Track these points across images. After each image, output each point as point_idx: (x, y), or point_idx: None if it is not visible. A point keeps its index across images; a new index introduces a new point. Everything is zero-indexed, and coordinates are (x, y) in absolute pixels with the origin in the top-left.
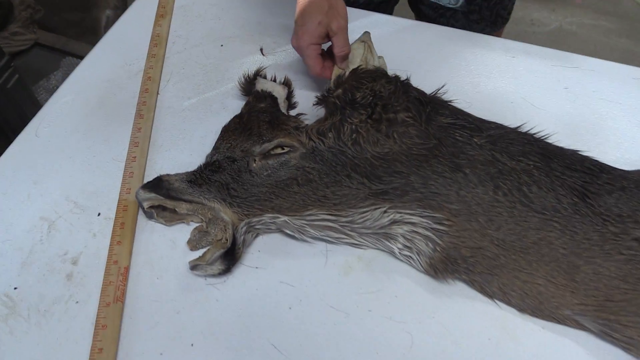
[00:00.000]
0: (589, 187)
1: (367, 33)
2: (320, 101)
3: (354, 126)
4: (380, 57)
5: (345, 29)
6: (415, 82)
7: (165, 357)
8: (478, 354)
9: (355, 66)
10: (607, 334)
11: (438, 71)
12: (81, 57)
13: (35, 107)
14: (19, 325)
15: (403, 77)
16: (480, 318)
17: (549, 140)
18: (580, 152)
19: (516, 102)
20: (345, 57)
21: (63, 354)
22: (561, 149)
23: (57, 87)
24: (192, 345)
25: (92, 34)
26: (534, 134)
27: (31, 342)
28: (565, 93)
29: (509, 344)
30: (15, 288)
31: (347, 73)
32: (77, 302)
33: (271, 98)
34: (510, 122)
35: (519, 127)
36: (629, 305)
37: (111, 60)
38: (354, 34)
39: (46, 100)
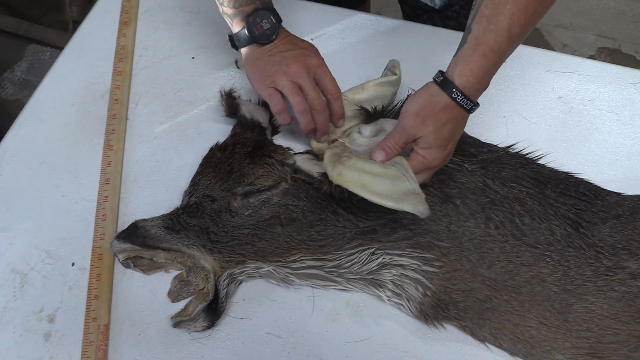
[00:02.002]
0: (583, 215)
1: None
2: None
3: None
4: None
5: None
6: (403, 91)
7: None
8: None
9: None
10: None
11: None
12: (46, 44)
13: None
14: None
15: None
16: None
17: (543, 161)
18: (574, 174)
19: (509, 115)
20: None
21: None
22: (555, 171)
23: (23, 79)
24: None
25: (57, 13)
26: (527, 154)
27: None
28: (559, 103)
29: None
30: None
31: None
32: None
33: (259, 128)
34: (502, 139)
35: (510, 146)
36: (620, 348)
37: (74, 79)
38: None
39: (12, 94)
